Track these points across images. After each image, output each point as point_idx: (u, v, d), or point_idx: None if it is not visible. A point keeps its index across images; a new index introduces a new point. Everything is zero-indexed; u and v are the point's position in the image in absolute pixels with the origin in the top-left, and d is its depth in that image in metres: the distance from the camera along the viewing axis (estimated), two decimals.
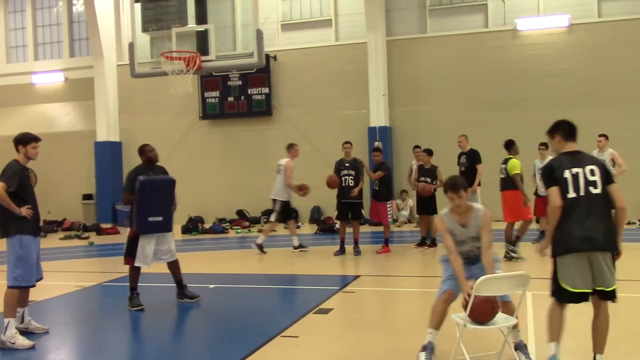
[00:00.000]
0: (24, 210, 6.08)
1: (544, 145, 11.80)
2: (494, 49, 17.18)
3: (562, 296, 4.53)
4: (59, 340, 6.48)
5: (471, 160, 11.74)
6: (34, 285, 6.31)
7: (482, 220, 5.00)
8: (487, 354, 5.04)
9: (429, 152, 12.25)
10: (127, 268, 7.66)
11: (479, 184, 11.66)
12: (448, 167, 12.10)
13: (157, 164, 7.87)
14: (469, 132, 12.45)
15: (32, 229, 6.19)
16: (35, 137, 6.34)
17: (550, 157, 11.13)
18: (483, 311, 4.57)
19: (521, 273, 4.66)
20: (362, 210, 11.96)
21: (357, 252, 11.40)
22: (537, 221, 12.94)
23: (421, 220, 12.43)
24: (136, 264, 7.54)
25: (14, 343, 5.93)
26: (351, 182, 11.37)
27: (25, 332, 6.25)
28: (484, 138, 15.64)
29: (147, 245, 7.50)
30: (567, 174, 4.54)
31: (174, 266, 7.84)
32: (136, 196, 7.39)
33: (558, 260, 4.54)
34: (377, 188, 11.76)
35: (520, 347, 4.91)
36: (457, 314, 4.73)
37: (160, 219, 7.53)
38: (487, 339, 5.49)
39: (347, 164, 11.50)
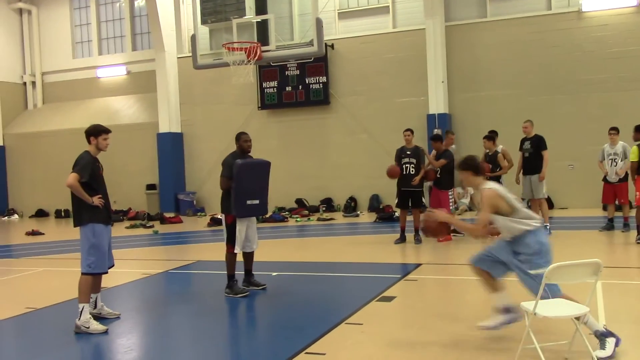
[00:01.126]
0: (96, 200, 6.29)
1: (615, 130, 11.35)
2: (557, 31, 16.64)
3: None
4: (130, 325, 6.69)
5: (536, 146, 11.44)
6: (106, 272, 6.53)
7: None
8: (557, 343, 4.93)
9: (489, 138, 11.93)
10: (191, 256, 7.81)
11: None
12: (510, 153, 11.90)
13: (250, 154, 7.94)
14: (532, 117, 12.11)
15: (103, 218, 6.41)
16: (106, 128, 6.53)
17: (621, 143, 10.73)
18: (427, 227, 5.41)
19: (594, 261, 4.52)
20: (423, 199, 11.82)
21: (417, 240, 11.30)
22: (605, 208, 12.55)
23: None
24: (236, 250, 7.64)
25: (88, 327, 6.16)
26: (412, 170, 11.24)
27: (98, 317, 6.48)
28: (546, 123, 15.23)
29: (243, 230, 7.59)
30: None
31: (249, 256, 7.93)
32: (235, 180, 7.42)
33: None
34: (438, 176, 11.60)
35: (598, 335, 4.76)
36: (526, 302, 4.63)
37: (257, 202, 7.59)
38: (557, 327, 5.37)
39: (408, 152, 11.37)
